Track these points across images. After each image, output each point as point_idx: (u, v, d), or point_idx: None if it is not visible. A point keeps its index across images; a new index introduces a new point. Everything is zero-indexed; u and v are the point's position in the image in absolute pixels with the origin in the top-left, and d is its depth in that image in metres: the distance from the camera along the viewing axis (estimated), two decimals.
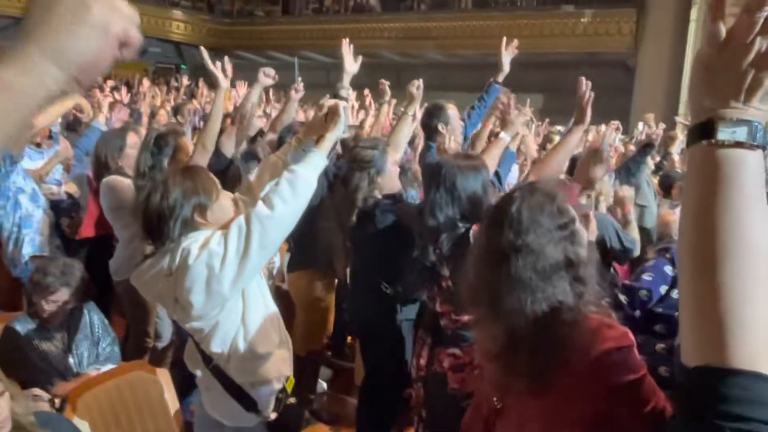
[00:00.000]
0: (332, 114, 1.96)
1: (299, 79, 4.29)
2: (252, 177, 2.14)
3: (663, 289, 2.75)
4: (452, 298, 2.31)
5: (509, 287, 1.21)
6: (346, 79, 2.92)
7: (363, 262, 2.87)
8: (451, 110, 3.38)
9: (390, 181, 2.81)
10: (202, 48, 3.16)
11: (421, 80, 3.23)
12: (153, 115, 6.42)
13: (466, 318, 2.26)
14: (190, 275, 1.70)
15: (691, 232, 0.67)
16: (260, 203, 1.77)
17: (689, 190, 0.69)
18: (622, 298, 2.77)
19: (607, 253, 2.95)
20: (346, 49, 2.94)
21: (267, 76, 3.32)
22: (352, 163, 2.79)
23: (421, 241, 2.44)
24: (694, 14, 12.20)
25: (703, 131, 0.67)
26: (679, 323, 0.70)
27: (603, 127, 8.92)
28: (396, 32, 16.66)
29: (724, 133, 0.65)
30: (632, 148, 6.47)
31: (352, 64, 2.94)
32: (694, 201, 0.68)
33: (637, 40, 13.44)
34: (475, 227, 2.25)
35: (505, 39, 3.50)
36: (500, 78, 3.66)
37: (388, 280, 2.73)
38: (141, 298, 2.46)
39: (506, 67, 3.59)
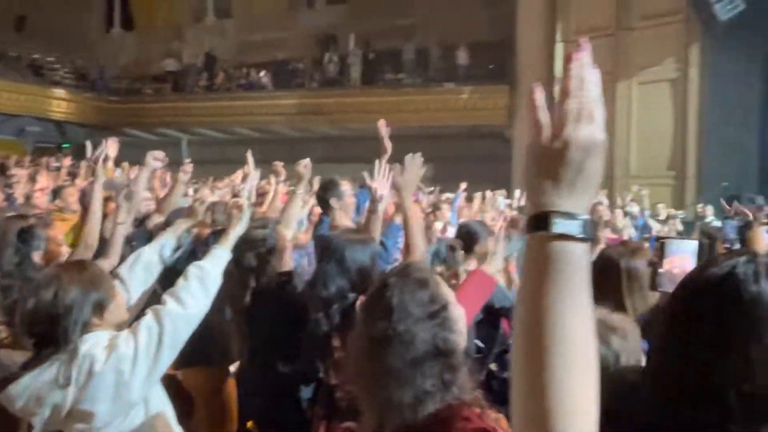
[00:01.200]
0: (236, 210, 1.98)
1: (187, 160, 4.26)
2: (122, 269, 2.10)
3: None
4: (344, 369, 2.35)
5: (380, 376, 1.23)
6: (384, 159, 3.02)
7: (260, 343, 2.83)
8: (344, 186, 3.51)
9: (282, 260, 2.83)
10: (87, 142, 3.07)
11: (308, 159, 3.33)
12: (28, 198, 6.04)
13: None
14: (96, 383, 1.56)
15: (523, 317, 0.70)
16: (170, 301, 1.72)
17: (524, 276, 0.71)
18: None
19: (496, 312, 3.11)
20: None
21: (156, 159, 3.21)
22: (243, 244, 2.79)
23: (314, 314, 2.47)
24: (557, 90, 13.57)
25: (537, 223, 0.69)
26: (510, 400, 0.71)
27: (489, 193, 9.56)
28: (288, 108, 17.04)
29: (556, 226, 0.67)
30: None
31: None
32: (526, 288, 0.70)
33: (511, 113, 14.68)
34: (362, 298, 2.34)
35: (381, 122, 3.51)
36: (384, 158, 3.76)
37: (286, 360, 2.71)
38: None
39: (388, 149, 3.69)
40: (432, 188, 9.73)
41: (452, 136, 15.58)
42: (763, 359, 1.04)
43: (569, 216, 0.68)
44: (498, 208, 8.65)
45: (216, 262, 1.85)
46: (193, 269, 1.82)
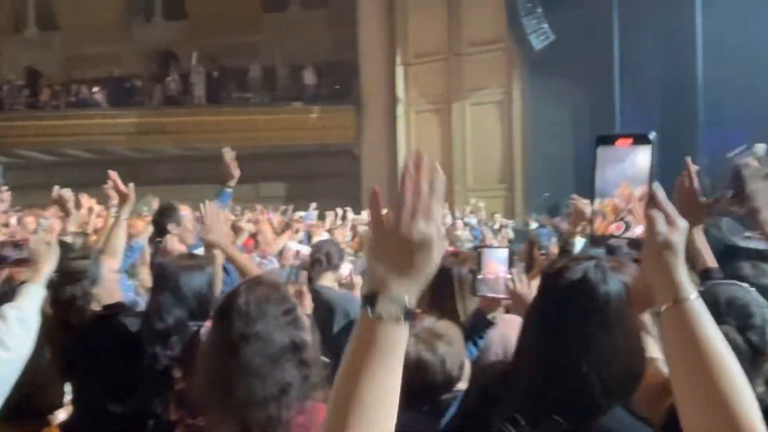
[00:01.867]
0: (41, 244, 1.86)
1: (4, 188, 3.86)
2: None
3: None
4: (187, 402, 2.29)
5: (240, 376, 1.28)
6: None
7: (86, 384, 2.64)
8: (184, 211, 3.41)
9: (108, 291, 2.69)
10: None
11: (132, 184, 3.11)
12: None
13: (203, 422, 2.26)
14: None
15: (342, 382, 0.79)
16: None
17: (349, 343, 0.80)
18: None
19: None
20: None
21: None
22: (61, 277, 2.61)
23: (150, 348, 2.38)
24: (399, 111, 14.34)
25: (367, 300, 0.79)
26: None
27: (339, 210, 9.75)
28: (127, 127, 15.98)
29: (380, 306, 0.77)
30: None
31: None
32: (348, 358, 0.79)
33: (358, 132, 15.15)
34: (206, 324, 2.30)
35: (226, 149, 3.42)
36: (232, 182, 3.66)
37: (118, 399, 2.56)
38: None
39: (235, 173, 3.60)
40: (285, 207, 9.73)
41: (303, 155, 15.68)
42: (615, 350, 1.27)
43: (394, 299, 0.78)
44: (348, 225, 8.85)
45: (31, 300, 1.73)
46: (9, 310, 1.69)
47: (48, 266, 1.83)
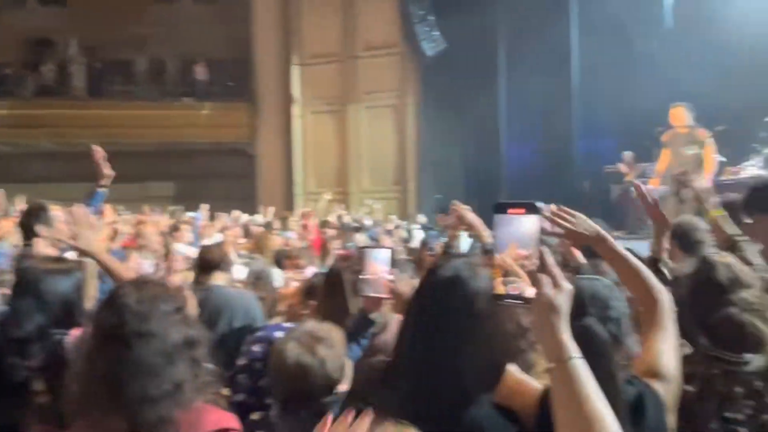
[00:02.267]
0: None
1: None
2: None
3: None
4: (51, 415, 2.14)
5: (133, 374, 1.25)
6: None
7: None
8: (55, 212, 3.18)
9: None
10: None
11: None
12: None
13: None
14: None
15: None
16: None
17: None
18: None
19: None
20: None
21: None
22: None
23: (7, 358, 2.20)
24: (295, 110, 14.20)
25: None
26: None
27: (237, 212, 9.50)
28: None
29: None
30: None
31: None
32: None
33: (253, 130, 14.83)
34: (74, 332, 2.16)
35: (96, 148, 3.15)
36: (105, 182, 3.43)
37: None
38: None
39: (108, 172, 3.37)
40: (173, 207, 9.33)
41: (193, 153, 15.08)
42: (484, 342, 1.36)
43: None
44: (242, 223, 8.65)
45: None
46: None
47: None
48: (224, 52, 15.25)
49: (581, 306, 1.53)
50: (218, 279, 3.43)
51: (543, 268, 1.07)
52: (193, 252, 6.13)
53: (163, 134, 14.33)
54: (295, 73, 14.18)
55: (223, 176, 14.56)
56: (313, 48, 13.86)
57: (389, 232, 9.36)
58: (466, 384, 1.36)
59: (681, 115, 8.37)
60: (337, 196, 12.82)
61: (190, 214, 9.13)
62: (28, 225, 3.05)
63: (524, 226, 1.14)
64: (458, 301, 1.41)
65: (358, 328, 2.39)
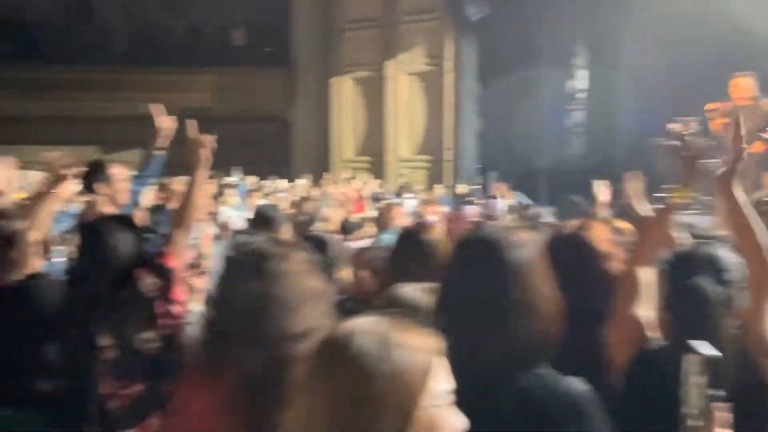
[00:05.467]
0: None
1: None
2: None
3: None
4: (120, 371, 2.13)
5: (274, 309, 1.31)
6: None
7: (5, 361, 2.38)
8: (115, 170, 3.16)
9: (30, 260, 2.43)
10: None
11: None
12: None
13: (138, 389, 2.12)
14: None
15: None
16: None
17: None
18: None
19: None
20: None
21: None
22: None
23: (75, 312, 2.19)
24: (332, 77, 14.01)
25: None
26: None
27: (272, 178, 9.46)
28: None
29: None
30: None
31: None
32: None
33: (289, 97, 14.71)
34: (146, 280, 2.13)
35: (155, 109, 3.11)
36: (162, 144, 3.33)
37: (41, 375, 2.34)
38: None
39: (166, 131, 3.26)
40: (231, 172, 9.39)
41: (228, 119, 15.04)
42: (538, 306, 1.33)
43: None
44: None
45: None
46: None
47: None
48: (262, 17, 15.07)
49: (696, 266, 1.62)
50: None
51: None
52: (238, 216, 6.14)
53: (198, 99, 14.30)
54: (334, 38, 13.95)
55: (257, 143, 14.53)
56: (353, 12, 13.58)
57: (426, 202, 9.24)
58: (518, 350, 1.30)
59: (745, 86, 7.78)
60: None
61: (229, 179, 9.16)
62: (88, 182, 3.03)
63: None
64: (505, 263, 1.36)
65: None
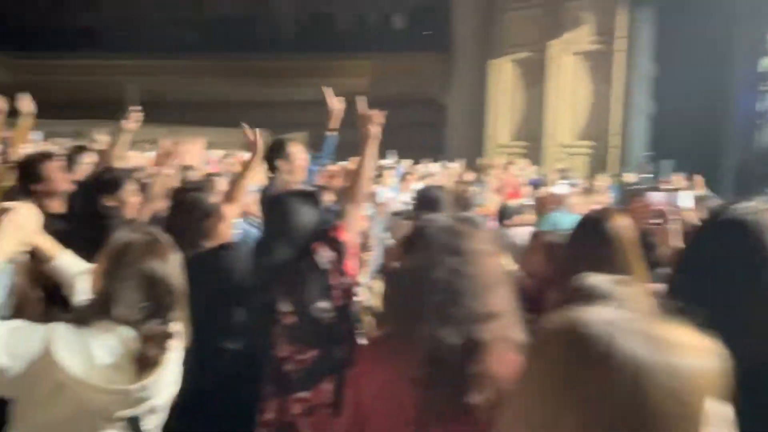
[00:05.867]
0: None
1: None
2: None
3: None
4: (297, 336, 2.24)
5: (466, 288, 1.31)
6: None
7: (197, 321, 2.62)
8: (293, 147, 3.34)
9: (222, 230, 2.65)
10: None
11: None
12: None
13: (312, 354, 2.21)
14: None
15: None
16: None
17: None
18: None
19: None
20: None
21: None
22: (173, 208, 2.61)
23: (260, 279, 2.34)
24: (492, 59, 13.65)
25: None
26: None
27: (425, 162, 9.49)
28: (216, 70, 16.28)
29: None
30: None
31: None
32: None
33: (446, 80, 14.66)
34: (325, 252, 2.21)
35: (327, 91, 3.33)
36: (335, 125, 3.46)
37: (230, 335, 2.55)
38: None
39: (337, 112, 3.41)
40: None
41: (384, 103, 15.36)
42: None
43: None
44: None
45: None
46: None
47: (5, 245, 1.53)
48: (424, 1, 15.16)
49: None
50: None
51: None
52: (397, 198, 6.25)
53: (358, 85, 14.81)
54: (495, 19, 13.59)
55: (412, 127, 14.71)
56: None
57: (589, 190, 8.70)
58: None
59: None
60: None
61: (383, 161, 9.36)
62: (271, 159, 3.21)
63: None
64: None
65: None
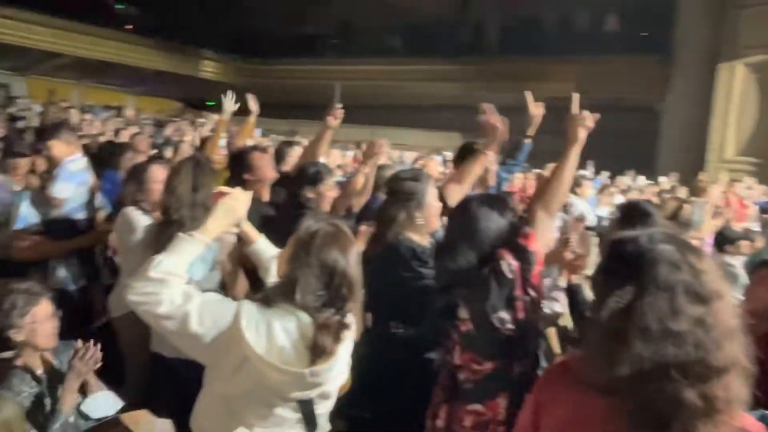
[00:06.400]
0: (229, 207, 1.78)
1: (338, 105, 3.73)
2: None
3: None
4: (473, 345, 2.15)
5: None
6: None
7: (376, 306, 2.68)
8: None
9: (429, 217, 2.68)
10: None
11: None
12: (176, 148, 6.43)
13: (489, 366, 2.10)
14: None
15: None
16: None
17: None
18: None
19: None
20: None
21: None
22: (391, 195, 2.69)
23: (441, 281, 2.29)
24: (721, 64, 12.06)
25: None
26: None
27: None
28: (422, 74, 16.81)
29: None
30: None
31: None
32: None
33: (663, 86, 13.35)
34: (511, 262, 2.10)
35: (528, 96, 3.24)
36: (532, 132, 3.43)
37: (404, 323, 2.58)
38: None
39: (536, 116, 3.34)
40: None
41: (591, 109, 14.48)
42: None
43: None
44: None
45: (176, 254, 1.66)
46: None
47: (215, 225, 1.72)
48: (640, 1, 13.99)
49: None
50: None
51: None
52: (589, 210, 5.81)
53: (563, 89, 14.15)
54: (729, 17, 12.01)
55: (621, 135, 13.66)
56: None
57: None
58: None
59: None
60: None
61: (582, 172, 8.81)
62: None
63: None
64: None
65: None
